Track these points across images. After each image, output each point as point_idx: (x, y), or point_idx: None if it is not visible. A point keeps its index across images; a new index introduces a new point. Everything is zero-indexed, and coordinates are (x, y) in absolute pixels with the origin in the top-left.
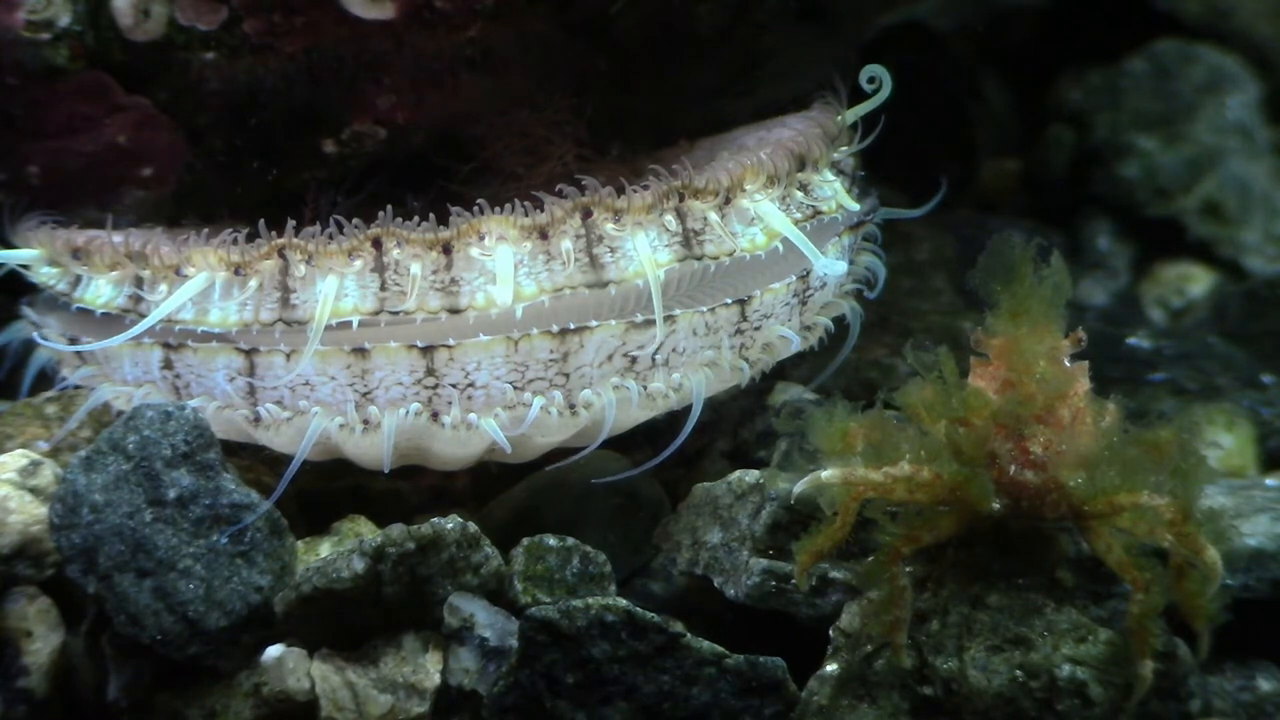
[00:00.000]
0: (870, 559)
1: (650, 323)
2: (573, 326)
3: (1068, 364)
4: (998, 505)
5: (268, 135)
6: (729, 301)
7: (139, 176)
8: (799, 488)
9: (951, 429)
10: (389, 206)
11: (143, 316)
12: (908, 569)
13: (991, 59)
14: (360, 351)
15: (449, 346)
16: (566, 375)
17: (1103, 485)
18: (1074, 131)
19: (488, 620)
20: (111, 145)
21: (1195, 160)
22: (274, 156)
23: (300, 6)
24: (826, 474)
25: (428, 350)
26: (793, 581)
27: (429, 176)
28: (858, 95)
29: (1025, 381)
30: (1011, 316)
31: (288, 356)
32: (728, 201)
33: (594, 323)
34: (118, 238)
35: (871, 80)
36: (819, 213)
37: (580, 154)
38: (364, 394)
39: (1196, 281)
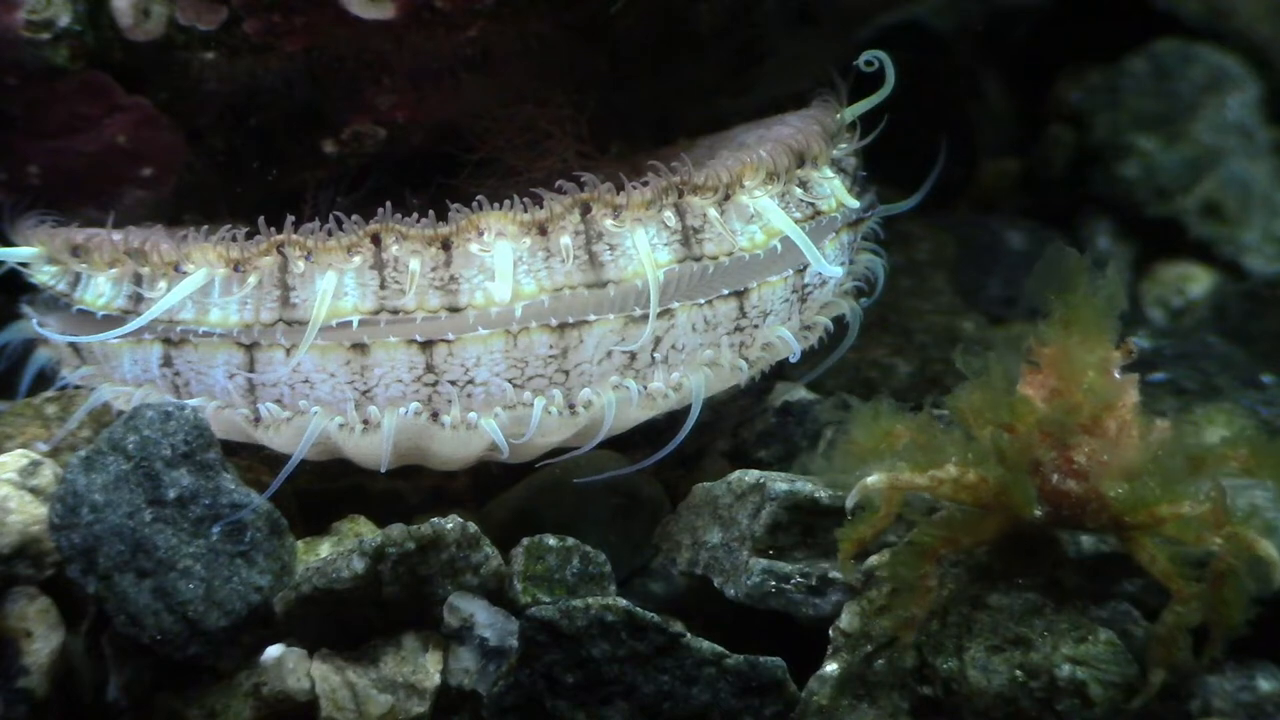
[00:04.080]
0: (905, 553)
1: (650, 316)
2: (571, 321)
3: (1118, 375)
4: (1039, 512)
5: (268, 135)
6: (726, 293)
7: (139, 176)
8: (850, 501)
9: (996, 434)
10: (388, 203)
11: None
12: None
13: (991, 59)
14: (360, 347)
15: (448, 341)
16: (566, 373)
17: (1143, 496)
18: (1074, 131)
19: (488, 620)
20: (111, 145)
21: (1195, 160)
22: (274, 156)
23: (300, 6)
24: (872, 480)
25: (427, 345)
26: (793, 581)
27: (428, 174)
28: (857, 93)
29: (1073, 391)
30: (1064, 325)
31: (287, 351)
32: (727, 198)
33: (593, 317)
34: (117, 235)
35: (869, 64)
36: (819, 212)
37: (581, 151)
38: (363, 392)
39: (1196, 281)
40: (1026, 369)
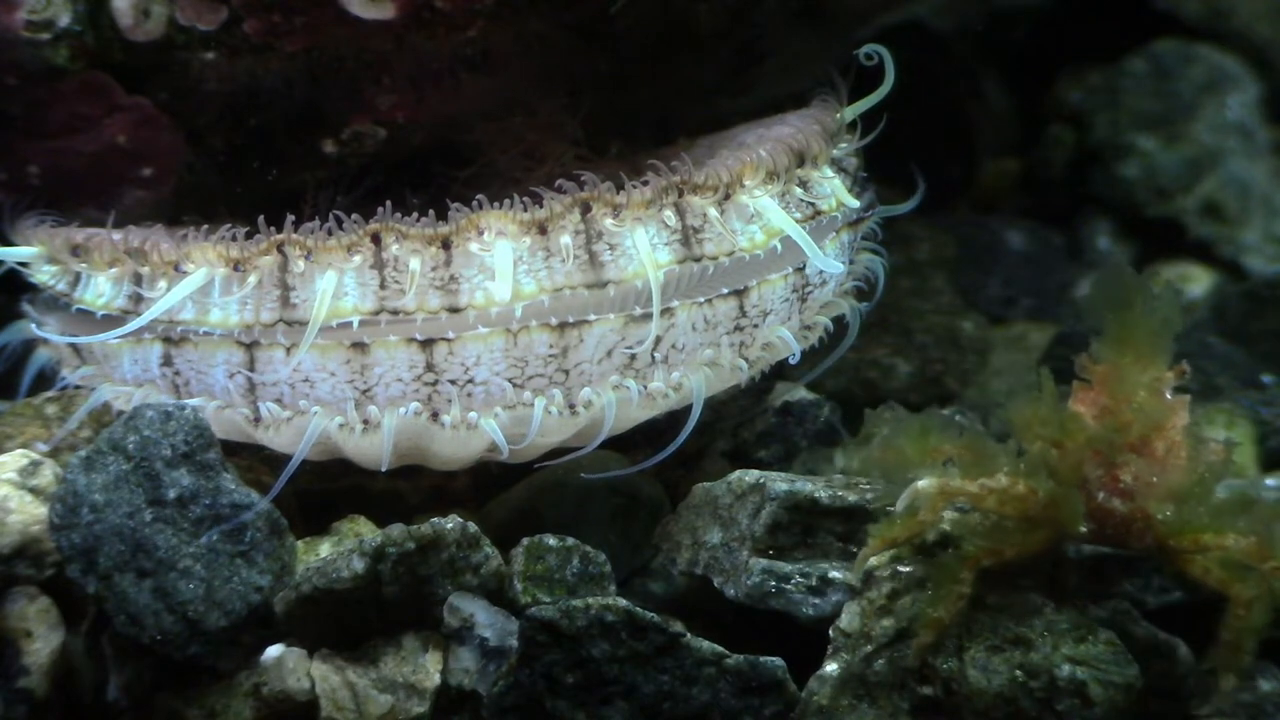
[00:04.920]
0: (947, 557)
1: (650, 316)
2: (571, 320)
3: (1169, 396)
4: (1084, 529)
5: (268, 135)
6: (725, 292)
7: (139, 176)
8: (901, 504)
9: (1045, 449)
10: (388, 202)
11: None
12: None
13: (991, 59)
14: (360, 346)
15: (448, 340)
16: (566, 372)
17: (1190, 523)
18: (1074, 131)
19: (488, 620)
20: (111, 145)
21: (1195, 160)
22: (274, 156)
23: (300, 6)
24: (923, 484)
25: (427, 344)
26: (793, 581)
27: (429, 174)
28: (857, 93)
29: (1123, 410)
30: (1117, 345)
31: (288, 350)
32: (727, 197)
33: (593, 316)
34: (117, 235)
35: (869, 58)
36: (819, 212)
37: (579, 154)
38: (363, 391)
39: (1196, 281)
40: (1078, 386)
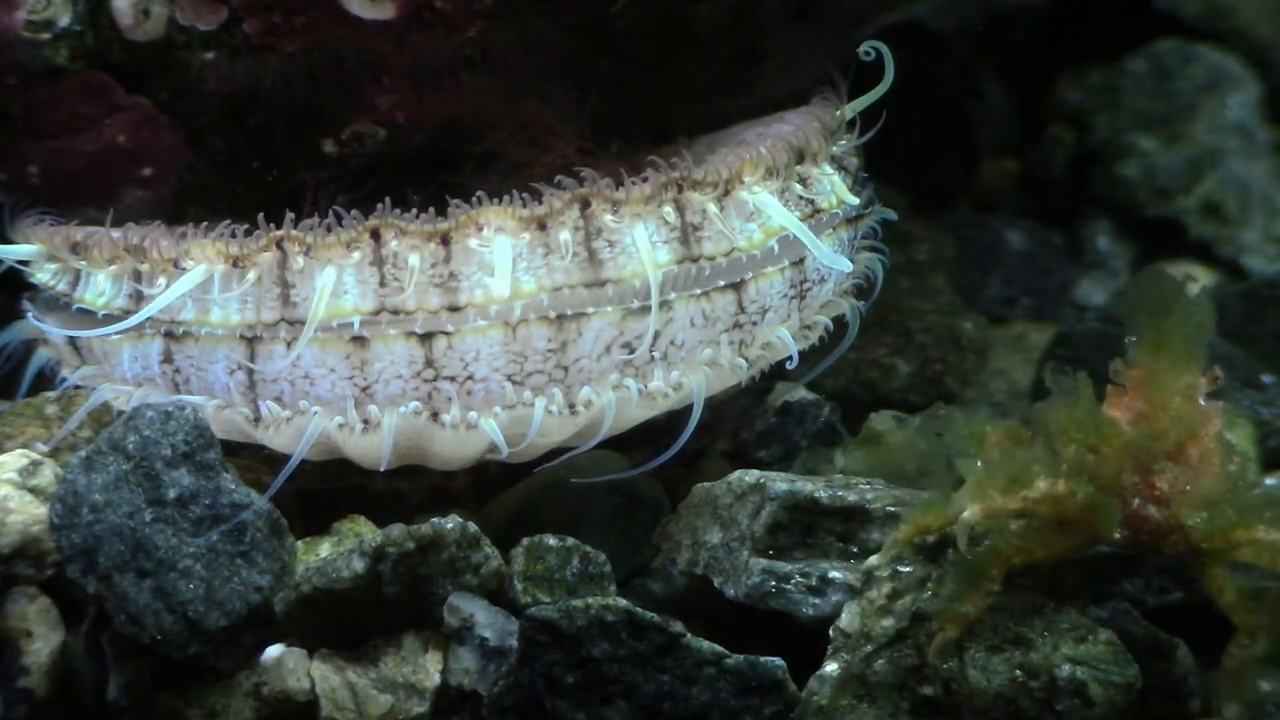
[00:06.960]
0: (978, 553)
1: (648, 309)
2: (570, 313)
3: (1202, 403)
4: (1118, 535)
5: (268, 135)
6: (722, 285)
7: (139, 176)
8: (962, 543)
9: (1081, 454)
10: (387, 199)
11: None
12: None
13: (991, 59)
14: (359, 340)
15: (447, 334)
16: (565, 369)
17: (1220, 525)
18: (1074, 131)
19: (488, 620)
20: (111, 145)
21: (1195, 160)
22: (274, 156)
23: (300, 6)
24: (967, 514)
25: (426, 338)
26: (793, 581)
27: (429, 174)
28: (857, 92)
29: (1159, 416)
30: (1153, 350)
31: (288, 345)
32: (727, 193)
33: (591, 309)
34: (116, 233)
35: (868, 54)
36: (818, 210)
37: (582, 148)
38: (363, 389)
39: (1196, 282)
40: (1112, 390)
